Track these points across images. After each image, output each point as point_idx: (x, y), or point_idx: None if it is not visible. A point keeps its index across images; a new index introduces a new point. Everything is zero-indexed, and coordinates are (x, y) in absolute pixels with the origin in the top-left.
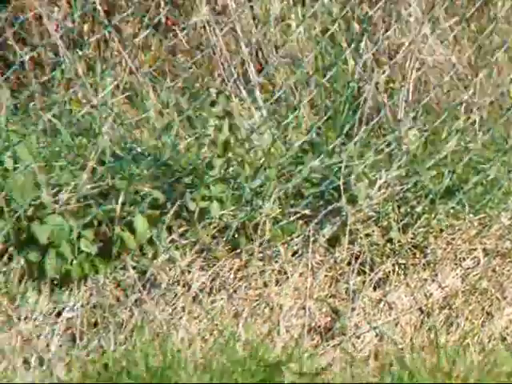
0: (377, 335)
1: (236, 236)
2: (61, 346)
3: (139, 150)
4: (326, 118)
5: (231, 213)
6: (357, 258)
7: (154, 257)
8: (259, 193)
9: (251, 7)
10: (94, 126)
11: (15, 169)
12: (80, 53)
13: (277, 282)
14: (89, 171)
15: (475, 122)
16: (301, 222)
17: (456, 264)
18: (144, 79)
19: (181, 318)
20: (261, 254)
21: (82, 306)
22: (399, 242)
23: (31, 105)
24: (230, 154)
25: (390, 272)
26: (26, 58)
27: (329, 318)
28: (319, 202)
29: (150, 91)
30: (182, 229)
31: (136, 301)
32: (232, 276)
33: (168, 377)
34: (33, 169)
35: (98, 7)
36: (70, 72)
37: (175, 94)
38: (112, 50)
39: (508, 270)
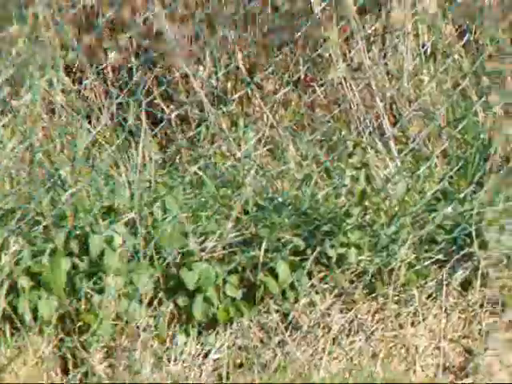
0: (510, 374)
1: (372, 280)
2: None
3: (280, 199)
4: (457, 167)
5: (368, 258)
6: (489, 301)
7: (296, 300)
8: (394, 239)
9: (385, 64)
10: (238, 177)
11: (164, 219)
12: (224, 109)
13: (412, 323)
14: (233, 220)
15: None
16: (434, 266)
17: None
18: (284, 133)
19: (321, 358)
20: (396, 298)
21: (228, 347)
22: None
23: (178, 158)
24: (366, 203)
25: None
26: (173, 115)
27: (462, 358)
28: (452, 248)
29: (290, 144)
30: (321, 274)
31: (279, 342)
32: (369, 318)
33: None
34: (180, 219)
35: (241, 66)
36: (215, 127)
37: (314, 147)
38: (254, 106)
39: None
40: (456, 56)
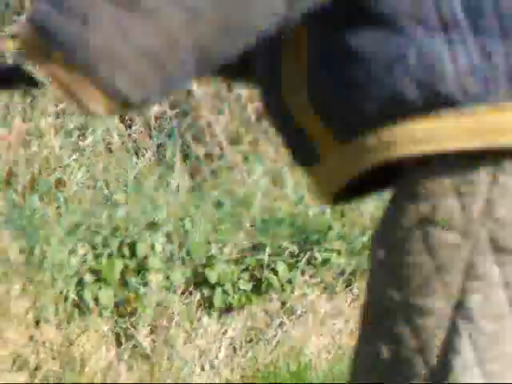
0: None
1: (350, 277)
2: (226, 356)
3: (280, 216)
4: None
5: (346, 261)
6: None
7: (292, 292)
8: (367, 246)
9: None
10: (249, 199)
11: (193, 231)
12: (238, 148)
13: None
14: (245, 232)
15: None
16: None
17: None
18: (284, 166)
19: (311, 336)
20: None
21: (241, 327)
22: None
23: (204, 185)
24: (345, 219)
25: None
26: (201, 152)
27: None
28: None
29: (288, 174)
30: (311, 272)
31: (279, 324)
32: (347, 306)
33: (302, 378)
34: (205, 231)
35: (251, 115)
36: (230, 162)
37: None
38: (261, 146)
39: None
40: None
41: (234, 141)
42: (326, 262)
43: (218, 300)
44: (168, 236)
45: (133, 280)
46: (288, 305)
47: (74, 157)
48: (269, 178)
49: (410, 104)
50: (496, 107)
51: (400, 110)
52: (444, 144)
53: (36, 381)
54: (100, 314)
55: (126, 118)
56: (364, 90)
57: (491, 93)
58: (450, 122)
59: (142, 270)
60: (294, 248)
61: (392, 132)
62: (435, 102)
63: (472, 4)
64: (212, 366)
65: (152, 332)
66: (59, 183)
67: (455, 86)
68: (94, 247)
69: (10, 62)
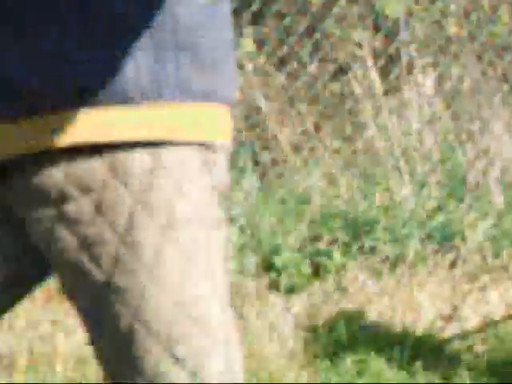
0: (481, 317)
1: (394, 262)
2: (291, 329)
3: (335, 211)
4: (446, 192)
5: (390, 249)
6: (467, 274)
7: (345, 275)
8: (408, 236)
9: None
10: (307, 196)
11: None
12: (299, 154)
13: (419, 289)
14: (305, 224)
15: None
16: (433, 252)
17: None
18: (337, 169)
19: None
20: (409, 272)
21: (303, 304)
22: None
23: (271, 185)
24: (391, 214)
25: None
26: (268, 159)
27: (452, 310)
28: (444, 241)
29: (342, 176)
30: (361, 258)
31: (335, 302)
32: (392, 286)
33: None
34: (272, 223)
35: (310, 126)
36: (292, 166)
37: (359, 178)
38: (319, 153)
39: None
40: None
41: (296, 148)
42: (373, 249)
43: (283, 282)
44: (241, 228)
45: None
46: (342, 286)
47: None
48: (325, 179)
49: (96, 98)
50: (165, 105)
51: (86, 102)
52: (120, 133)
53: None
54: None
55: None
56: (55, 83)
57: (162, 94)
58: (127, 114)
59: None
60: (347, 238)
61: (73, 117)
62: (117, 98)
63: (155, 22)
64: (279, 338)
65: None
66: None
67: (134, 87)
68: None
69: None
